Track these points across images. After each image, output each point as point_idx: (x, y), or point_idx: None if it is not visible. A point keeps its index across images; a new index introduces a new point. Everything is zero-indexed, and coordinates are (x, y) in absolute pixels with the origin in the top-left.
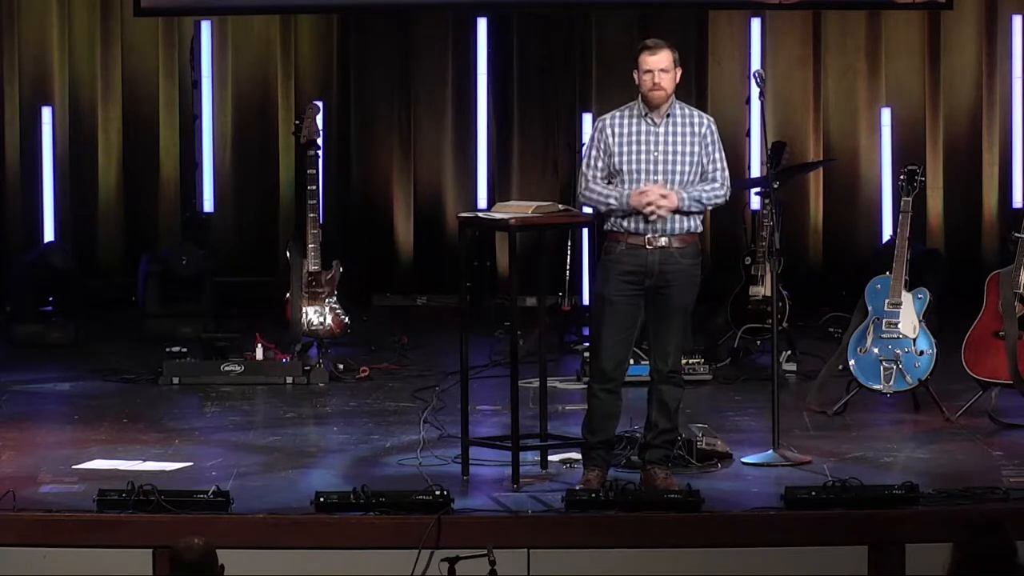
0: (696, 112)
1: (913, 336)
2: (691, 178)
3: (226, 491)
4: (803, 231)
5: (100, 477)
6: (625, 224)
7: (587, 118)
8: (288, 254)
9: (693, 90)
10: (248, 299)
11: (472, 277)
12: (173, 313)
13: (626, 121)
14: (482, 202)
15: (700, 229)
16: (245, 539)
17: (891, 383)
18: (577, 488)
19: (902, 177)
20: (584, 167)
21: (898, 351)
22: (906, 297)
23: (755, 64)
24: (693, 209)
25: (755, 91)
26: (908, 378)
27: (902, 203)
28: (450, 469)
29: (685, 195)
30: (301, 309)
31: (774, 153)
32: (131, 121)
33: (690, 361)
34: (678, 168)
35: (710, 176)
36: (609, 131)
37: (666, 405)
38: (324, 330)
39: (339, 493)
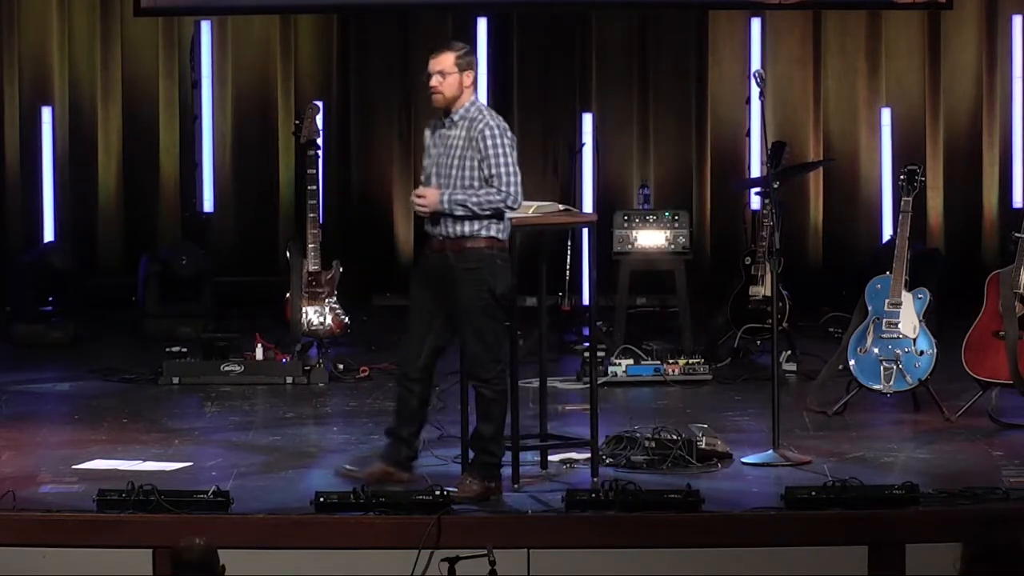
0: (482, 117)
1: (913, 336)
2: (467, 183)
3: (226, 491)
4: (803, 231)
5: (100, 477)
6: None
7: (587, 118)
8: (288, 254)
9: (693, 90)
10: (248, 299)
11: None
12: (173, 313)
13: (440, 124)
14: None
15: (488, 234)
16: (245, 539)
17: (891, 383)
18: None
19: (902, 177)
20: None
21: (898, 351)
22: (906, 297)
23: (755, 64)
24: (457, 212)
25: (755, 91)
26: (908, 378)
27: (902, 203)
28: (450, 469)
29: (447, 196)
30: (301, 309)
31: (774, 153)
32: (131, 121)
33: (690, 361)
34: (454, 172)
35: (489, 183)
36: (427, 135)
37: (479, 406)
38: (324, 330)
39: (339, 493)
